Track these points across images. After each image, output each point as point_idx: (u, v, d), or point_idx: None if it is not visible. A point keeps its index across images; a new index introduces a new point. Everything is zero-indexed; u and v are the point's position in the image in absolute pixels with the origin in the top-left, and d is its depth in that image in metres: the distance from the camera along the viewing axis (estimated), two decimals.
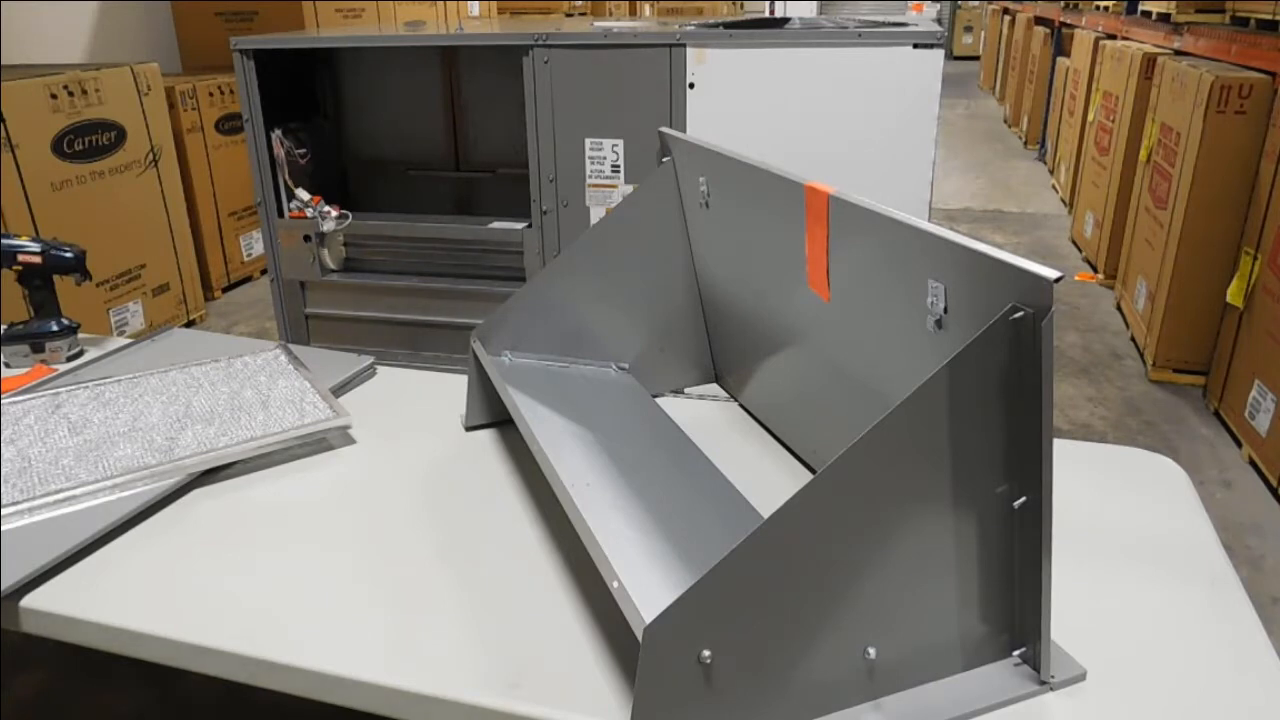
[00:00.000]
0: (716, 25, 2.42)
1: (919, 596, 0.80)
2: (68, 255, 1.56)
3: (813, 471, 1.18)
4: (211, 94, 4.15)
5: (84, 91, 3.40)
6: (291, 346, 1.52)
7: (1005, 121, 8.76)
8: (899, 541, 0.77)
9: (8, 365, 1.53)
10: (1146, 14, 4.64)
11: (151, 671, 0.97)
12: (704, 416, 1.33)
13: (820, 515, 0.73)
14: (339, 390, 1.42)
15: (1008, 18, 9.45)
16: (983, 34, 12.47)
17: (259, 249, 4.46)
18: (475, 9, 6.13)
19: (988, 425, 0.76)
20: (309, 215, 2.73)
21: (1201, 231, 3.15)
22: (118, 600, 0.98)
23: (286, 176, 2.74)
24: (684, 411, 1.31)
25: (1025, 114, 7.66)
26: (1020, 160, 7.15)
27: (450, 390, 1.41)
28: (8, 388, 1.41)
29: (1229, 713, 0.81)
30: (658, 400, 1.34)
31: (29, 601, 0.98)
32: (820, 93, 2.26)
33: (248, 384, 1.39)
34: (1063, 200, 5.68)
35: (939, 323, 0.84)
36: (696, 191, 1.26)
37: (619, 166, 2.37)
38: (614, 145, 2.35)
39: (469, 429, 1.31)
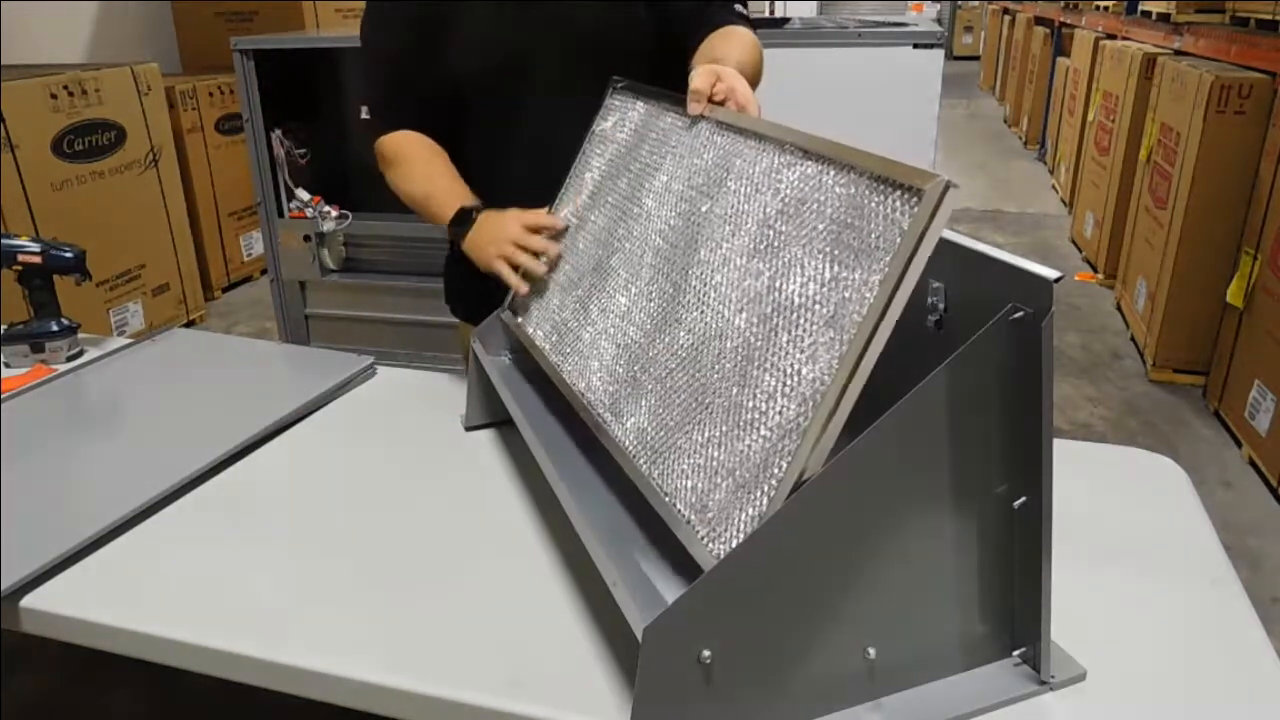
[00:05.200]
0: None
1: (919, 597, 0.80)
2: (68, 255, 1.56)
3: None
4: (211, 94, 4.15)
5: (84, 91, 3.40)
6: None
7: (1005, 121, 8.76)
8: (899, 542, 0.77)
9: (8, 365, 1.53)
10: (1146, 14, 4.64)
11: (151, 671, 0.97)
12: None
13: (820, 516, 0.73)
14: (339, 390, 1.42)
15: (1008, 18, 9.45)
16: (983, 34, 12.46)
17: (259, 249, 4.46)
18: None
19: (987, 425, 0.76)
20: (309, 215, 2.73)
21: (1201, 231, 3.15)
22: (118, 600, 0.98)
23: (286, 176, 2.75)
24: None
25: (1025, 114, 7.66)
26: (1020, 160, 7.15)
27: (450, 390, 1.41)
28: (8, 388, 1.41)
29: (1229, 713, 0.81)
30: None
31: (29, 601, 0.98)
32: (820, 93, 2.26)
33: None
34: (1063, 200, 5.68)
35: (939, 323, 0.85)
36: None
37: None
38: None
39: (469, 429, 1.31)
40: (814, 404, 0.73)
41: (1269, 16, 3.20)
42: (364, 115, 1.37)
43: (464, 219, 1.25)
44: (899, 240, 0.71)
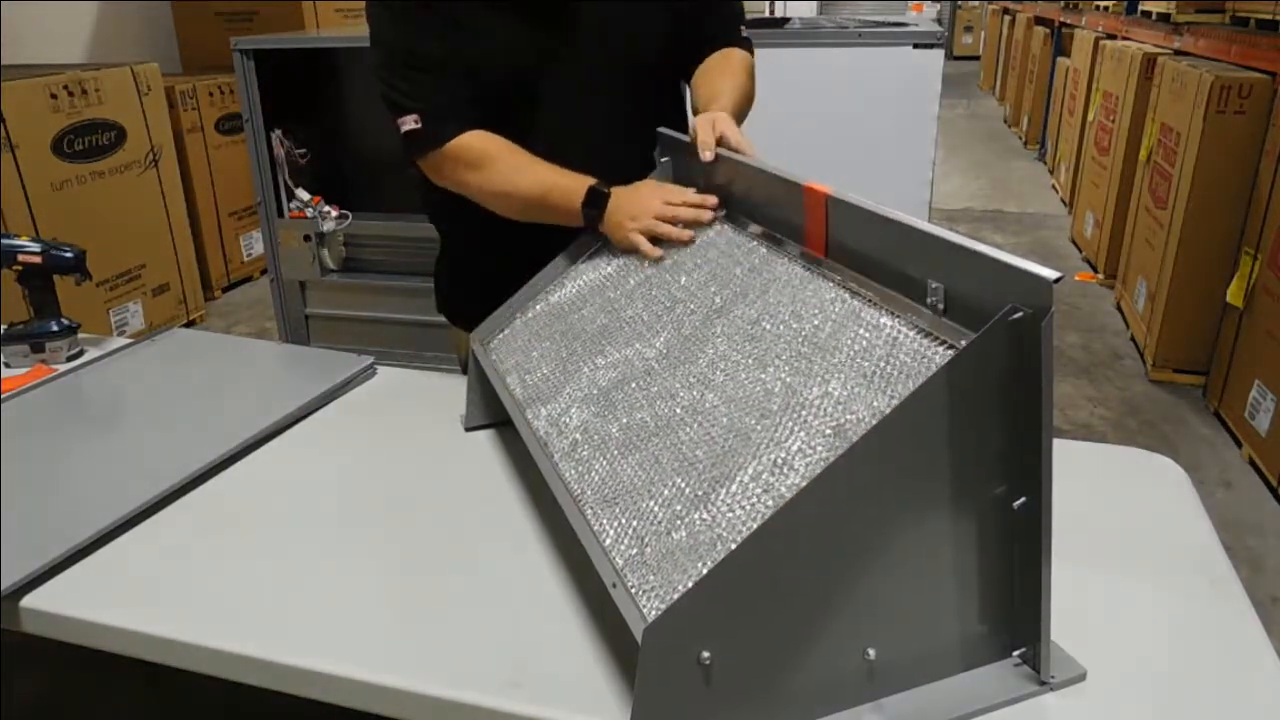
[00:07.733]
0: None
1: (918, 597, 0.80)
2: (68, 255, 1.56)
3: None
4: (211, 94, 4.15)
5: (84, 91, 3.40)
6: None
7: (1005, 121, 8.76)
8: (898, 542, 0.77)
9: (8, 365, 1.53)
10: (1146, 14, 4.64)
11: (151, 671, 0.97)
12: None
13: (819, 516, 0.73)
14: (339, 390, 1.42)
15: (1008, 18, 9.45)
16: (983, 34, 12.46)
17: (259, 249, 4.46)
18: None
19: (987, 425, 0.76)
20: (309, 215, 2.73)
21: (1201, 231, 3.15)
22: (118, 600, 0.98)
23: (286, 176, 2.75)
24: None
25: (1025, 114, 7.66)
26: (1020, 160, 7.15)
27: (450, 390, 1.41)
28: (8, 388, 1.41)
29: (1229, 713, 0.81)
30: None
31: (29, 601, 0.98)
32: (820, 93, 2.26)
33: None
34: (1063, 200, 5.68)
35: None
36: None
37: None
38: None
39: (469, 429, 1.31)
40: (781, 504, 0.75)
41: (1269, 16, 3.20)
42: (411, 126, 1.28)
43: (597, 199, 1.25)
44: (925, 377, 0.74)
